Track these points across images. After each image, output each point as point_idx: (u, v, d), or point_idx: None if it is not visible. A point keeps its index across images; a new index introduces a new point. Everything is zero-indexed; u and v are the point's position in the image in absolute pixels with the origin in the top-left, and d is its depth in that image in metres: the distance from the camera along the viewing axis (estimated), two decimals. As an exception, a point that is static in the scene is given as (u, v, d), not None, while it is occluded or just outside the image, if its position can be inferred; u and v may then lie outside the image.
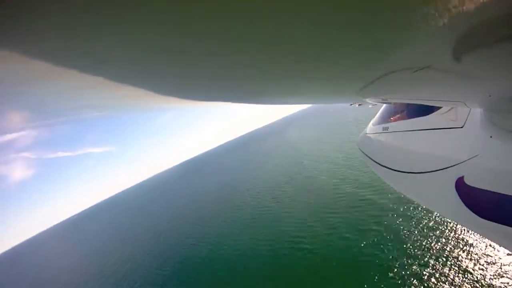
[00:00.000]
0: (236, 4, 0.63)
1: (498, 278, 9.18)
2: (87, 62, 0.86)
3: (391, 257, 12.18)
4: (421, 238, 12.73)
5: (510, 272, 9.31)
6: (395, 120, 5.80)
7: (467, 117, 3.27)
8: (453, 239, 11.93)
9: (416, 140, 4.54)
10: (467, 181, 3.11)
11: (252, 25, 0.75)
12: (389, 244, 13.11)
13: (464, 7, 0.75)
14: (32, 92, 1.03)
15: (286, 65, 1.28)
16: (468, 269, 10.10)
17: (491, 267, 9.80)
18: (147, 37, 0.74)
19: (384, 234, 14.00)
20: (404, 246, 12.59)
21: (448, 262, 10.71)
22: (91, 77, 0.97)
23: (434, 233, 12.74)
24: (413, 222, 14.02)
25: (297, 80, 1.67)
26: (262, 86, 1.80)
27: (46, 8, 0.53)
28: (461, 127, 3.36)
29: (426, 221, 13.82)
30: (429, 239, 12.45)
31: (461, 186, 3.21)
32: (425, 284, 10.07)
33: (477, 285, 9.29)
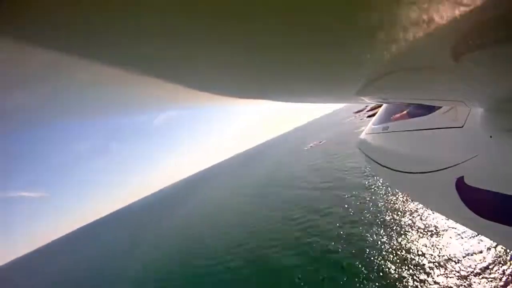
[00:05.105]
0: (234, 3, 0.62)
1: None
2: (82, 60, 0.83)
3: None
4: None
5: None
6: (395, 120, 5.78)
7: (467, 117, 3.26)
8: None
9: (416, 140, 4.54)
10: (467, 181, 3.12)
11: (248, 23, 0.74)
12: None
13: (464, 7, 0.74)
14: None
15: (284, 64, 1.27)
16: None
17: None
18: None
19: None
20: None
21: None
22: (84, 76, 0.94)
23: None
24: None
25: (295, 79, 1.67)
26: (259, 85, 1.79)
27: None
28: (461, 127, 3.35)
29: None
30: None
31: (461, 186, 3.22)
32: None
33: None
